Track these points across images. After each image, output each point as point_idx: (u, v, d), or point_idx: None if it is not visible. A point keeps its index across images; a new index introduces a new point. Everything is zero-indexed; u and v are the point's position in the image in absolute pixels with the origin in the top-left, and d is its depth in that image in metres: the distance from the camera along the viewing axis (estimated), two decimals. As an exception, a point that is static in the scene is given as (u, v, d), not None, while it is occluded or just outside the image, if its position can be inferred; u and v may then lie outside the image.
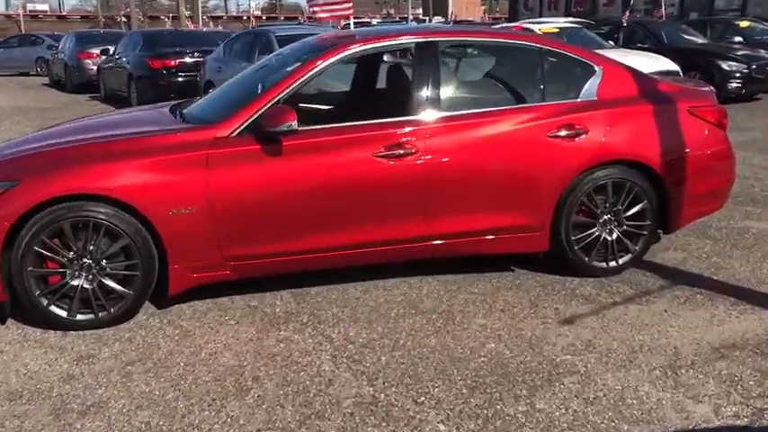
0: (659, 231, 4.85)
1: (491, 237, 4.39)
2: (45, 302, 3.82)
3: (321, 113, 4.79)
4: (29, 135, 4.96)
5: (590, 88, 4.51)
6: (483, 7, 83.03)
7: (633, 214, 4.59)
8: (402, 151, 4.12)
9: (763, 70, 13.70)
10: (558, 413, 3.04)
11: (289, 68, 4.23)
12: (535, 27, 13.28)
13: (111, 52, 15.62)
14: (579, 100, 4.49)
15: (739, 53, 14.10)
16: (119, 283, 3.92)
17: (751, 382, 3.27)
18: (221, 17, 76.45)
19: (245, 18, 73.01)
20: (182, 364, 3.52)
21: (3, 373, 3.46)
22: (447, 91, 4.37)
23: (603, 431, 2.92)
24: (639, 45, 14.58)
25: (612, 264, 4.61)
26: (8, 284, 3.77)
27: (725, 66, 13.66)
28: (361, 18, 34.16)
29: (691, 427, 2.94)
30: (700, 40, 15.56)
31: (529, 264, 4.74)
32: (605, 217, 4.56)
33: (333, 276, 4.49)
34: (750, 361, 3.47)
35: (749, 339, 3.71)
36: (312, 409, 3.09)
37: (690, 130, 4.60)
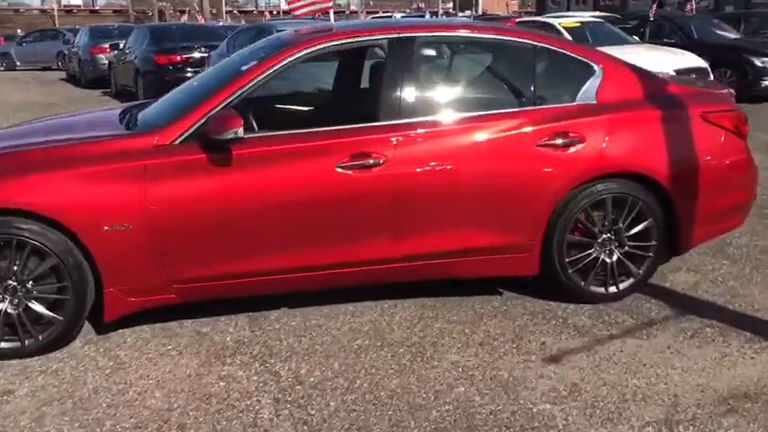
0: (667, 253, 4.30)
1: (471, 258, 3.90)
2: (-36, 328, 3.42)
3: (281, 119, 4.30)
4: None
5: (588, 90, 3.98)
6: (514, 1, 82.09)
7: (636, 234, 4.06)
8: (369, 161, 3.64)
9: (799, 68, 12.93)
10: (523, 483, 2.55)
11: (244, 68, 3.76)
12: (555, 21, 12.66)
13: (120, 47, 15.32)
14: (575, 104, 3.96)
15: (774, 49, 13.34)
16: (48, 308, 3.50)
17: (762, 447, 2.74)
18: (251, 11, 76.43)
19: (274, 13, 72.97)
20: (104, 406, 3.09)
21: None
22: (423, 93, 3.88)
23: None
24: (666, 40, 13.85)
25: (612, 289, 4.08)
26: None
27: (758, 62, 12.90)
28: (386, 12, 33.38)
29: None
30: (732, 36, 14.78)
31: (519, 286, 4.23)
32: (604, 236, 4.03)
33: (298, 298, 4.03)
34: (763, 417, 2.94)
35: (765, 387, 3.17)
36: (235, 471, 2.64)
37: (703, 138, 4.05)
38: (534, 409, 3.01)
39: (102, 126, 4.01)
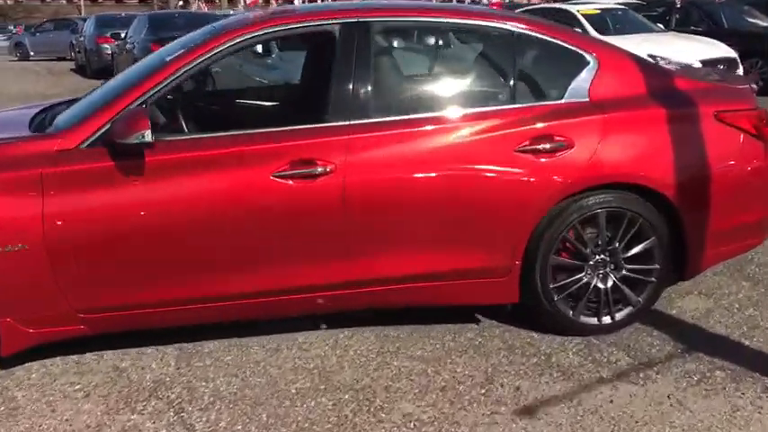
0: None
1: (438, 284, 3.31)
2: None
3: (211, 119, 3.69)
4: None
5: (579, 86, 3.35)
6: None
7: (636, 255, 3.44)
8: (314, 170, 3.06)
9: (836, 57, 12.06)
10: None
11: (168, 58, 3.20)
12: (573, 8, 11.93)
13: (122, 36, 14.87)
14: (563, 101, 3.34)
15: (809, 37, 12.47)
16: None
17: None
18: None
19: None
20: (-25, 467, 2.56)
21: None
22: (381, 89, 3.28)
23: None
24: (694, 28, 13.04)
25: (606, 320, 3.46)
26: None
27: (792, 52, 12.06)
28: None
29: None
30: (764, 23, 13.89)
31: (501, 314, 3.63)
32: (597, 258, 3.42)
33: (243, 325, 3.47)
34: (780, 503, 2.32)
35: (784, 456, 2.55)
36: None
37: (716, 142, 3.41)
38: (492, 485, 2.43)
39: (8, 127, 3.47)
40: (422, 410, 2.88)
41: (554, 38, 3.40)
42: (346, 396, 2.99)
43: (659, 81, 3.48)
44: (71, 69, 21.54)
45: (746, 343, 3.41)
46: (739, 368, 3.16)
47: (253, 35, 3.20)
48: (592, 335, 3.47)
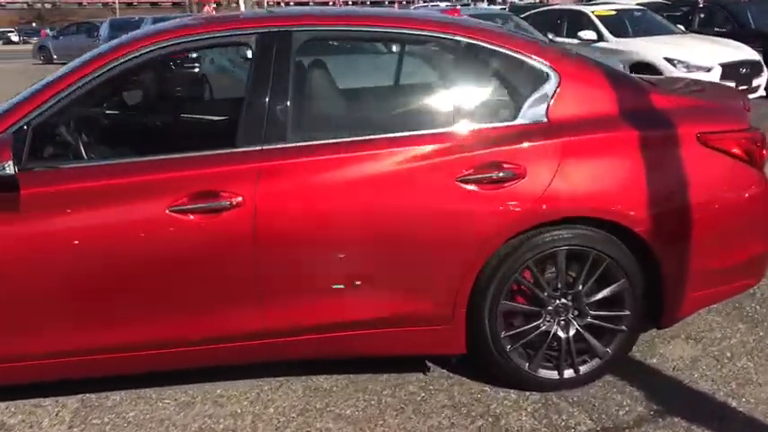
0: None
1: (370, 332, 2.87)
2: None
3: (104, 145, 3.27)
4: None
5: (536, 104, 2.89)
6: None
7: (603, 300, 2.96)
8: (218, 203, 2.64)
9: None
10: None
11: (54, 76, 2.81)
12: (588, 10, 11.37)
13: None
14: (516, 123, 2.87)
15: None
16: None
17: None
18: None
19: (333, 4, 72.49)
20: None
21: None
22: (302, 108, 2.86)
23: None
24: (718, 29, 12.38)
25: (569, 373, 3.00)
26: None
27: (822, 56, 11.33)
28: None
29: None
30: (795, 24, 13.15)
31: (453, 362, 3.18)
32: (557, 303, 2.95)
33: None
34: None
35: None
36: None
37: (698, 168, 2.92)
38: None
39: None
40: (332, 489, 2.44)
41: (508, 49, 2.93)
42: (249, 468, 2.57)
43: (632, 98, 2.99)
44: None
45: (733, 404, 2.92)
46: (722, 438, 2.68)
47: (152, 48, 2.78)
48: (553, 390, 3.00)
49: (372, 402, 2.98)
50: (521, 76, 2.95)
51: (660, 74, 9.62)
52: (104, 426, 2.85)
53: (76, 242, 2.60)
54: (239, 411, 2.93)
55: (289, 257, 2.72)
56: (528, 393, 3.00)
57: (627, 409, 2.89)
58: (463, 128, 2.84)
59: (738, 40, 10.67)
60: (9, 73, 21.05)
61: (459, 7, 4.94)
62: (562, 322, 2.98)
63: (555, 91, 2.89)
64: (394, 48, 3.26)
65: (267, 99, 2.75)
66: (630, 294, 2.94)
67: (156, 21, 13.57)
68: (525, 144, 2.80)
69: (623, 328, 2.98)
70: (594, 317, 2.98)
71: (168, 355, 2.79)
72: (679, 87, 3.57)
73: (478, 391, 3.04)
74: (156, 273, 2.67)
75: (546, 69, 2.91)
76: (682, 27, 11.97)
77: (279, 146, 2.73)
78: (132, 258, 2.64)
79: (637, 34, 10.92)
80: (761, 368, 3.17)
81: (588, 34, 10.59)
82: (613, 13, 11.25)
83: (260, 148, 2.71)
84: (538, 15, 12.57)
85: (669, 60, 9.61)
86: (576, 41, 10.70)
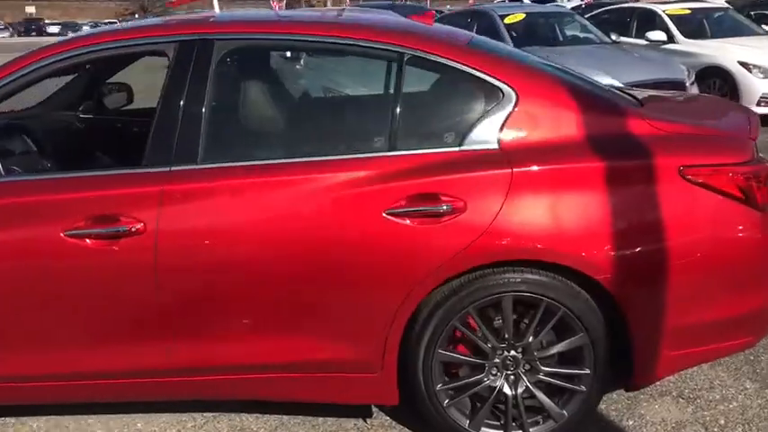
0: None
1: (290, 376, 2.58)
2: None
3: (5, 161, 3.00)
4: None
5: (486, 128, 2.51)
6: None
7: (558, 355, 2.57)
8: (117, 228, 2.41)
9: None
10: None
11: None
12: (659, 8, 10.61)
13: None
14: (461, 149, 2.50)
15: None
16: None
17: None
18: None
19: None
20: None
21: None
22: (217, 127, 2.57)
23: None
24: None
25: (516, 435, 2.62)
26: None
27: None
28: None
29: None
30: None
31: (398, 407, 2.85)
32: (504, 355, 2.58)
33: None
34: None
35: None
36: None
37: (680, 208, 2.48)
38: None
39: None
40: None
41: (458, 62, 2.56)
42: None
43: (604, 123, 2.57)
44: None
45: (709, 489, 2.47)
46: None
47: (59, 57, 2.57)
48: (498, 453, 2.63)
49: (295, 451, 2.69)
50: (471, 95, 2.58)
51: (733, 80, 8.87)
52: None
53: None
54: (150, 452, 2.71)
55: (193, 292, 2.47)
56: (471, 454, 2.64)
57: (579, 483, 2.50)
58: (397, 153, 2.49)
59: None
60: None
61: (431, 11, 4.35)
62: (511, 377, 2.60)
63: (510, 112, 2.51)
64: (327, 59, 2.94)
65: (180, 115, 2.49)
66: (591, 351, 2.53)
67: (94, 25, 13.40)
68: (467, 174, 2.44)
69: (582, 388, 2.58)
70: (548, 374, 2.58)
71: (65, 388, 2.59)
72: (674, 108, 3.09)
73: (420, 444, 2.71)
74: (51, 301, 2.47)
75: (501, 87, 2.53)
76: (766, 28, 11.03)
77: (188, 167, 2.47)
78: (26, 284, 2.45)
79: (714, 36, 10.10)
80: (762, 443, 2.70)
81: (657, 35, 9.86)
82: (688, 11, 10.45)
83: (168, 169, 2.46)
84: (606, 14, 11.84)
85: (744, 65, 8.83)
86: (643, 42, 10.01)
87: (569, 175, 2.46)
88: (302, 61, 2.98)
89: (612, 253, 2.42)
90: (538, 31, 9.70)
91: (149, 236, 2.41)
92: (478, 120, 2.51)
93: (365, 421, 2.86)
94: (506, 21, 9.05)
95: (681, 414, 2.89)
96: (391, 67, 2.57)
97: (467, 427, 2.61)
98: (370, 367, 2.55)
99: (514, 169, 2.43)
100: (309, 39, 2.60)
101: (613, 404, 2.92)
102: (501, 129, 2.50)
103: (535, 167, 2.45)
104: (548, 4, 13.38)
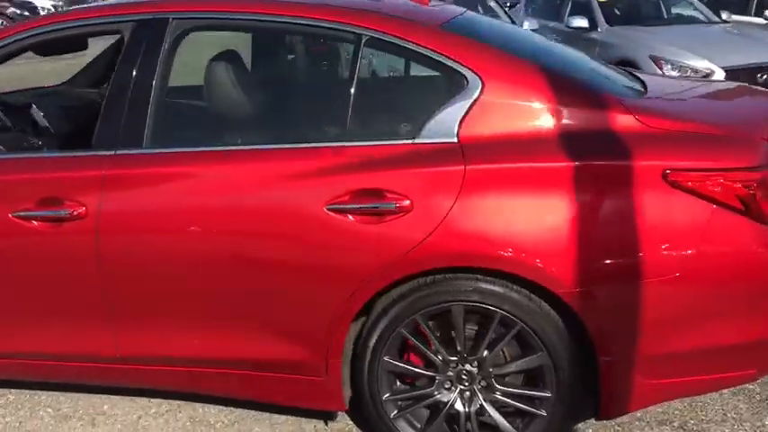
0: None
1: (230, 372, 2.49)
2: None
3: None
4: None
5: (445, 119, 2.27)
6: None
7: (515, 374, 2.33)
8: (60, 212, 2.39)
9: None
10: None
11: None
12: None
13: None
14: (415, 142, 2.28)
15: None
16: None
17: None
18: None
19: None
20: None
21: None
22: (165, 111, 2.47)
23: None
24: None
25: (469, 456, 2.40)
26: None
27: None
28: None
29: None
30: None
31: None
32: (459, 369, 2.36)
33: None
34: None
35: None
36: None
37: (662, 217, 2.16)
38: None
39: None
40: None
41: (420, 45, 2.33)
42: None
43: (582, 115, 2.26)
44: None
45: None
46: None
47: (19, 38, 2.55)
48: (451, 474, 2.43)
49: (247, 447, 2.60)
50: (432, 82, 2.36)
51: None
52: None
53: None
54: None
55: (133, 280, 2.41)
56: (423, 471, 2.45)
57: None
58: (346, 144, 2.31)
59: None
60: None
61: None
62: (466, 393, 2.38)
63: (473, 102, 2.26)
64: (284, 41, 2.75)
65: (128, 98, 2.42)
66: (552, 372, 2.26)
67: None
68: (415, 169, 2.22)
69: (542, 412, 2.32)
70: (504, 393, 2.34)
71: (11, 365, 2.63)
72: (681, 99, 2.69)
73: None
74: (5, 278, 2.49)
75: (465, 73, 2.28)
76: None
77: (132, 152, 2.39)
78: None
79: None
80: (754, 491, 2.35)
81: (780, 13, 8.96)
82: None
83: (113, 153, 2.40)
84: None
85: None
86: (762, 21, 9.12)
87: (531, 175, 2.19)
88: (264, 43, 2.83)
89: (576, 265, 2.14)
90: (640, 10, 9.06)
91: (91, 220, 2.37)
92: (438, 110, 2.28)
93: (326, 424, 2.71)
94: (602, -1, 8.50)
95: (670, 445, 2.56)
96: (348, 49, 2.37)
97: (416, 443, 2.42)
98: (314, 370, 2.41)
99: (468, 166, 2.19)
100: (263, 18, 2.44)
101: (601, 429, 2.63)
102: (462, 120, 2.26)
103: (492, 165, 2.20)
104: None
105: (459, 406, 2.38)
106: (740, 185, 2.14)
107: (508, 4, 11.79)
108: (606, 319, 2.19)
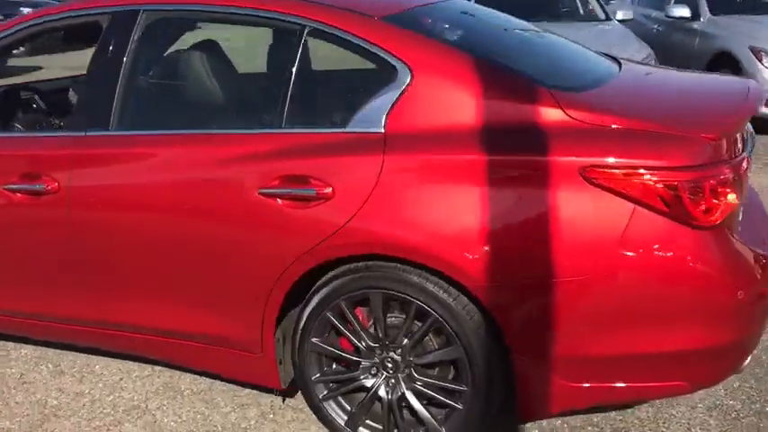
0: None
1: (178, 342, 2.67)
2: None
3: None
4: None
5: (374, 109, 2.31)
6: None
7: (433, 365, 2.34)
8: (37, 186, 2.65)
9: None
10: None
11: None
12: None
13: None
14: (345, 130, 2.33)
15: None
16: None
17: None
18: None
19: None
20: None
21: None
22: (128, 97, 2.63)
23: None
24: None
25: (395, 443, 2.44)
26: None
27: None
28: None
29: None
30: None
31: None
32: (384, 355, 2.40)
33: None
34: None
35: None
36: None
37: (576, 216, 2.09)
38: None
39: None
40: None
41: (358, 36, 2.37)
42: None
43: (508, 109, 2.21)
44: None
45: None
46: None
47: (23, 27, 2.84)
48: (379, 458, 2.47)
49: (199, 417, 2.77)
50: (367, 72, 2.39)
51: None
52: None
53: None
54: (86, 391, 2.95)
55: (96, 251, 2.63)
56: (353, 454, 2.51)
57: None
58: (282, 131, 2.40)
59: None
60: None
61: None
62: (391, 381, 2.41)
63: (402, 93, 2.29)
64: (239, 31, 2.85)
65: (98, 84, 2.64)
66: (467, 367, 2.26)
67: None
68: (338, 158, 2.28)
69: (459, 406, 2.31)
70: (425, 384, 2.36)
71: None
72: (635, 93, 2.53)
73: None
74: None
75: (396, 64, 2.31)
76: None
77: (99, 134, 2.61)
78: None
79: None
80: None
81: None
82: None
83: (83, 134, 2.63)
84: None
85: None
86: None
87: (447, 166, 2.18)
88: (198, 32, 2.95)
89: (487, 259, 2.12)
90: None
91: (62, 195, 2.60)
92: (369, 100, 2.32)
93: (283, 402, 2.83)
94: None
95: (620, 456, 2.47)
96: (292, 39, 2.45)
97: (343, 424, 2.48)
98: (251, 347, 2.53)
99: (386, 156, 2.22)
100: (215, 10, 2.56)
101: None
102: (390, 110, 2.28)
103: (410, 156, 2.22)
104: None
105: (382, 392, 2.41)
106: (662, 185, 2.04)
107: None
108: (518, 316, 2.16)
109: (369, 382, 2.43)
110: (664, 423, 2.63)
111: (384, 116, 2.28)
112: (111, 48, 2.64)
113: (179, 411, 2.80)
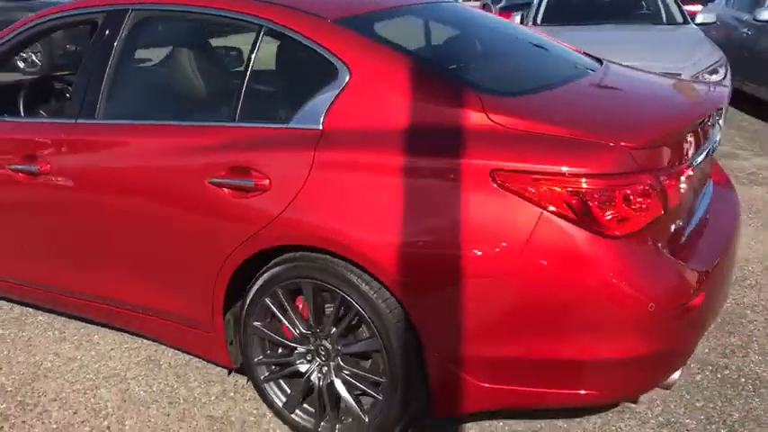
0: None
1: (145, 316, 2.90)
2: None
3: None
4: None
5: (316, 107, 2.41)
6: None
7: (357, 355, 2.43)
8: (33, 167, 2.94)
9: None
10: None
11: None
12: None
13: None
14: (288, 126, 2.45)
15: None
16: None
17: None
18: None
19: None
20: None
21: None
22: (113, 89, 2.85)
23: None
24: None
25: (324, 427, 2.55)
26: None
27: None
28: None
29: None
30: None
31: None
32: (317, 343, 2.52)
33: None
34: None
35: None
36: None
37: (487, 218, 2.11)
38: None
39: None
40: None
41: (306, 36, 2.48)
42: (3, 405, 2.89)
43: (432, 111, 2.26)
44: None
45: None
46: None
47: (39, 23, 3.13)
48: (313, 441, 2.59)
49: (167, 389, 2.97)
50: (312, 71, 2.49)
51: None
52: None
53: None
54: (78, 357, 3.22)
55: (77, 229, 2.88)
56: (293, 434, 2.64)
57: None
58: (233, 125, 2.55)
59: None
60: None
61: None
62: (324, 368, 2.52)
63: (340, 92, 2.38)
64: (208, 30, 2.99)
65: (89, 76, 2.88)
66: (385, 359, 2.33)
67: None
68: (279, 152, 2.41)
69: (379, 397, 2.39)
70: (350, 373, 2.45)
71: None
72: (574, 99, 2.47)
73: (260, 414, 2.77)
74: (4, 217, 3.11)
75: (337, 64, 2.41)
76: None
77: (87, 122, 2.86)
78: None
79: None
80: None
81: None
82: None
83: (74, 121, 2.88)
84: None
85: None
86: None
87: (370, 165, 2.26)
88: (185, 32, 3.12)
89: (400, 256, 2.19)
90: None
91: (52, 178, 2.87)
92: (313, 98, 2.43)
93: (247, 382, 2.98)
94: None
95: (547, 463, 2.46)
96: (250, 39, 2.60)
97: (281, 406, 2.61)
98: (203, 326, 2.70)
99: (318, 153, 2.33)
100: (177, 9, 2.75)
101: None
102: (328, 109, 2.39)
103: (337, 153, 2.31)
104: None
105: (314, 378, 2.52)
106: (569, 192, 2.04)
107: None
108: (429, 313, 2.21)
109: (303, 368, 2.54)
110: (601, 436, 2.59)
111: (323, 114, 2.38)
112: (101, 43, 2.87)
113: (151, 383, 3.01)
